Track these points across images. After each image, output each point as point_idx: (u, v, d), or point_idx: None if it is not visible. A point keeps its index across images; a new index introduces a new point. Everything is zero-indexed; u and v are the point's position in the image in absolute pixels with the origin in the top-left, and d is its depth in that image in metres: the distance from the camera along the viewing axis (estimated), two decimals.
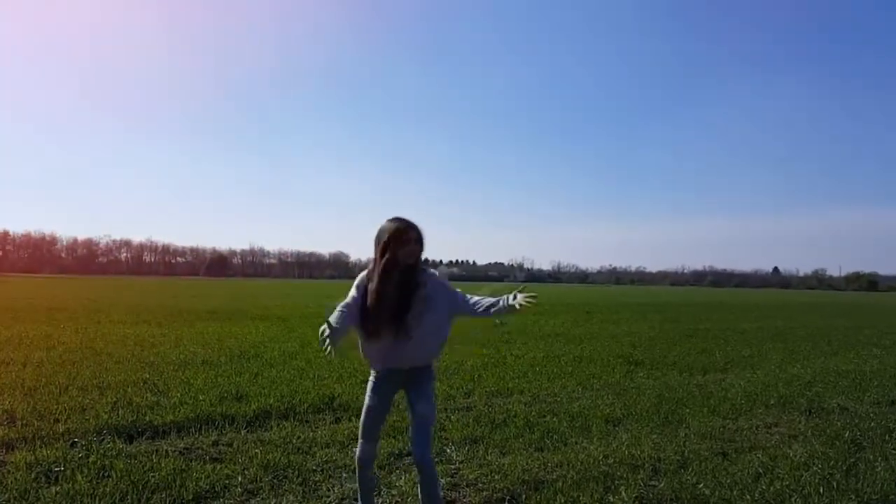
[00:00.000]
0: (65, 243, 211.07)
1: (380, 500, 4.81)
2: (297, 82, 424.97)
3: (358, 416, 7.07)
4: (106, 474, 5.14)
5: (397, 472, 5.43)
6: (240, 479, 5.12)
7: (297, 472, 5.32)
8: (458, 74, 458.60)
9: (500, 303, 3.92)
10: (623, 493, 4.94)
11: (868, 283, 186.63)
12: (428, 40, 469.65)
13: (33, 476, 5.04)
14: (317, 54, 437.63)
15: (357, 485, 4.29)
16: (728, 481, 5.23)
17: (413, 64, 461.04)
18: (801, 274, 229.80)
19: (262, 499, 4.77)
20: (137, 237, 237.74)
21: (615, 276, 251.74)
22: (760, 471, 5.53)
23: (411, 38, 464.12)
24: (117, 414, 6.97)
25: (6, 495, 4.65)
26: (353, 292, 3.97)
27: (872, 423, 7.33)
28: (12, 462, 5.35)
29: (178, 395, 8.03)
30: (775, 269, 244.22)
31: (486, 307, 3.95)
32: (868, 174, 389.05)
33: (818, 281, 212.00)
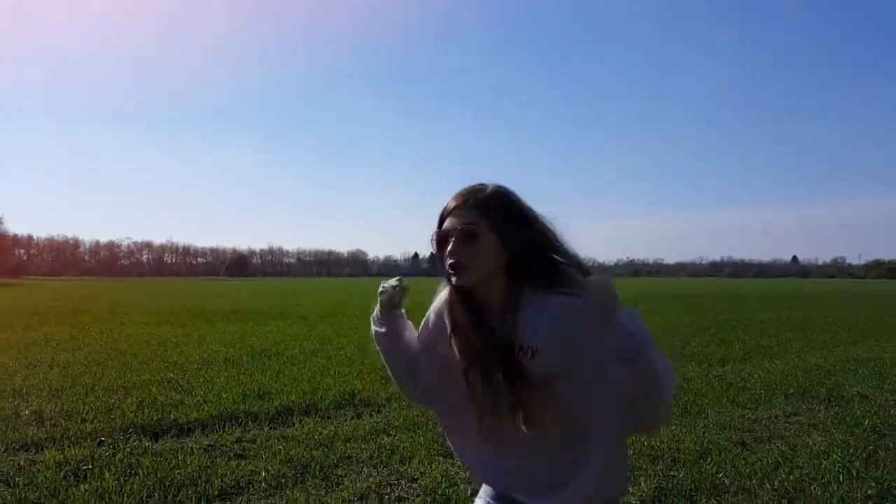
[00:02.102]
0: (87, 246, 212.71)
1: None
2: (316, 82, 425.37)
3: (379, 411, 7.16)
4: (133, 472, 5.20)
5: None
6: (263, 474, 5.17)
7: (319, 467, 5.36)
8: (465, 71, 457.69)
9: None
10: (642, 483, 4.96)
11: (888, 270, 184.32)
12: (432, 38, 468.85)
13: (62, 475, 5.10)
14: (330, 52, 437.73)
15: None
16: (747, 471, 5.24)
17: (424, 60, 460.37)
18: (821, 263, 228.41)
19: (286, 493, 4.82)
20: (158, 239, 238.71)
21: (633, 268, 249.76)
22: (780, 460, 5.53)
23: (423, 35, 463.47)
24: (143, 413, 7.05)
25: (37, 494, 4.71)
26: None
27: (892, 411, 7.32)
28: (42, 461, 5.42)
29: (202, 393, 8.11)
30: (794, 258, 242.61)
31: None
32: (887, 161, 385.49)
33: (837, 269, 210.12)
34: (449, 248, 1.93)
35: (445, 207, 2.00)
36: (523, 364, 1.89)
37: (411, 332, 2.20)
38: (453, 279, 1.94)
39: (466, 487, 4.79)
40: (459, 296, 2.01)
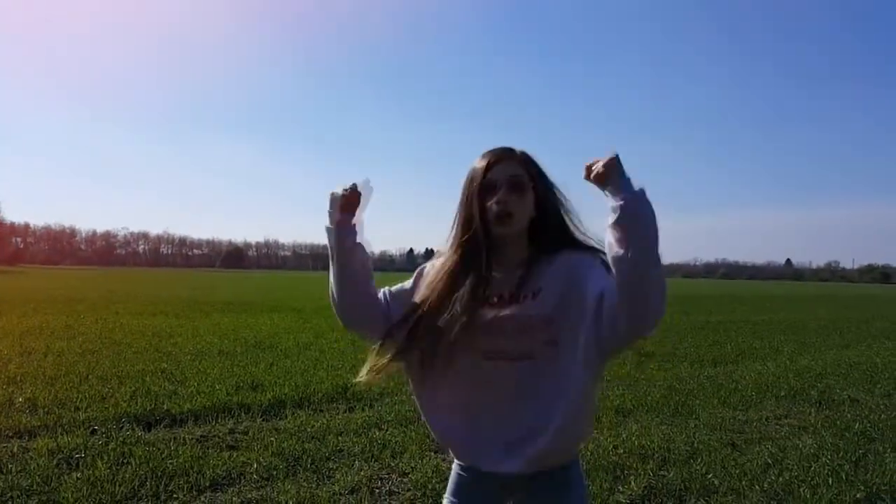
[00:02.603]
0: (84, 236, 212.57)
1: None
2: (315, 79, 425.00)
3: (371, 406, 7.18)
4: (125, 461, 5.21)
5: None
6: (255, 466, 5.18)
7: (310, 460, 5.37)
8: (464, 71, 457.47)
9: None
10: (633, 482, 4.97)
11: (881, 275, 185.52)
12: (432, 38, 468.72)
13: (55, 462, 5.11)
14: (330, 49, 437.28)
15: None
16: (737, 472, 5.26)
17: (424, 59, 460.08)
18: (814, 266, 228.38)
19: (277, 485, 4.82)
20: (155, 230, 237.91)
21: None
22: (769, 461, 5.55)
23: (423, 34, 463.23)
24: (136, 402, 7.06)
25: (29, 481, 4.72)
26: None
27: (883, 415, 7.34)
28: (35, 449, 5.42)
29: (195, 384, 8.12)
30: (788, 261, 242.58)
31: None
32: (882, 165, 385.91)
33: (831, 273, 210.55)
34: (498, 196, 1.94)
35: (488, 160, 2.01)
36: (526, 306, 1.95)
37: (364, 251, 2.11)
38: (499, 228, 1.95)
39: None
40: (487, 247, 1.98)
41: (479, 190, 1.97)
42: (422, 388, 2.14)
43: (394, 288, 2.19)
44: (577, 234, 2.06)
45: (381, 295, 2.16)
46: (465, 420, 2.05)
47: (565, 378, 1.92)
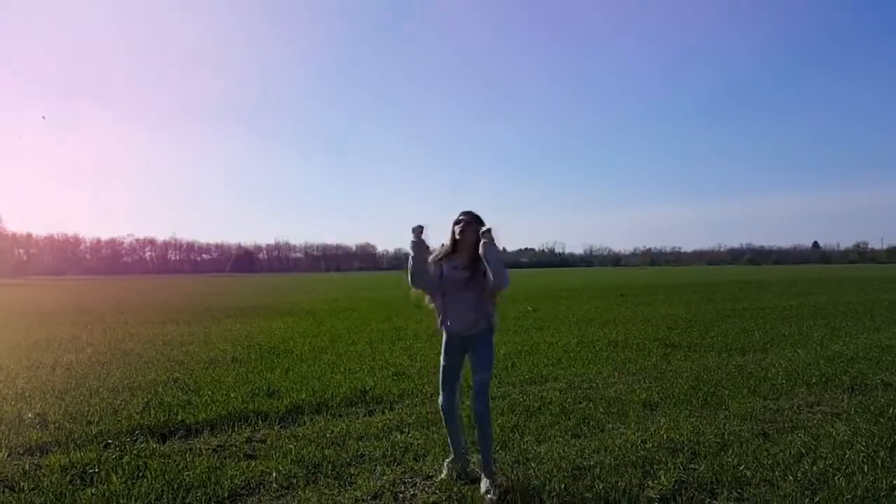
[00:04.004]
0: (88, 244, 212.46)
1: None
2: (321, 77, 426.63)
3: (391, 409, 7.11)
4: (140, 474, 5.15)
5: None
6: (274, 474, 5.11)
7: (331, 466, 5.30)
8: (473, 64, 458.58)
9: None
10: (662, 477, 4.88)
11: None
12: (444, 32, 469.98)
13: (68, 479, 5.05)
14: (337, 47, 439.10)
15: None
16: (770, 462, 5.15)
17: (433, 54, 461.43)
18: (842, 248, 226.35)
19: (298, 493, 4.75)
20: (161, 235, 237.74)
21: (650, 258, 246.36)
22: (803, 451, 5.43)
23: (433, 28, 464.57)
24: (149, 414, 6.98)
25: (43, 498, 4.66)
26: None
27: None
28: (47, 465, 5.36)
29: (210, 393, 8.05)
30: (815, 243, 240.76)
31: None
32: None
33: (860, 254, 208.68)
34: (468, 243, 4.92)
35: (463, 222, 4.98)
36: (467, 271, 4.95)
37: (427, 251, 5.02)
38: (461, 236, 4.95)
39: (479, 486, 4.71)
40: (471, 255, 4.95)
41: (460, 237, 4.94)
42: (441, 303, 5.05)
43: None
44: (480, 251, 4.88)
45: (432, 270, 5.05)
46: (453, 309, 5.02)
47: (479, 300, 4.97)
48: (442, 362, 5.14)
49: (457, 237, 4.97)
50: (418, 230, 4.92)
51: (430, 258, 5.04)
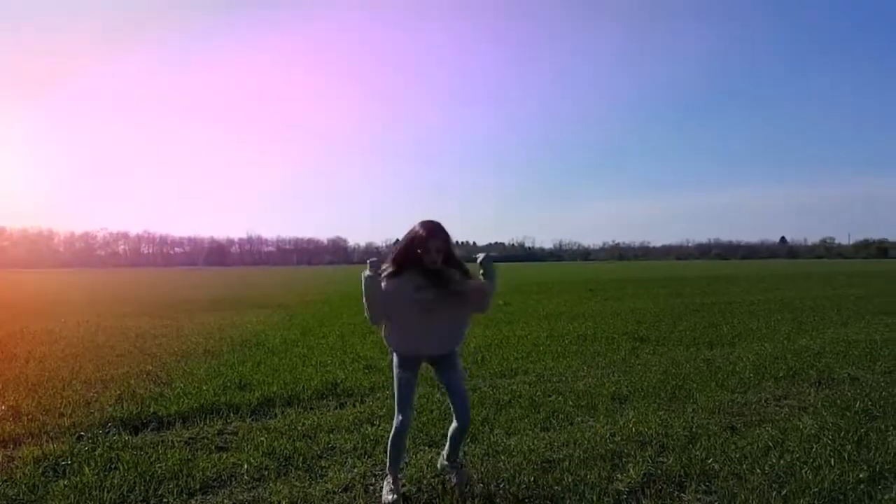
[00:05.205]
0: (62, 237, 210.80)
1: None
2: (294, 69, 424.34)
3: (362, 401, 7.14)
4: (113, 466, 5.14)
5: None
6: (246, 466, 5.12)
7: (302, 458, 5.32)
8: (444, 57, 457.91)
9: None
10: (631, 470, 4.92)
11: (877, 250, 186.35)
12: (410, 23, 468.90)
13: (41, 470, 5.05)
14: (306, 38, 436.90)
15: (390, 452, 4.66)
16: (737, 455, 5.20)
17: (402, 47, 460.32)
18: (809, 243, 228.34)
19: (269, 486, 4.77)
20: (134, 229, 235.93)
21: (618, 252, 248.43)
22: (770, 444, 5.49)
23: (401, 20, 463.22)
24: (122, 406, 6.96)
25: (15, 490, 4.65)
26: None
27: (884, 393, 7.29)
28: (20, 457, 5.35)
29: (182, 385, 8.03)
30: (782, 238, 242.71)
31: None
32: (875, 141, 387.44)
33: (826, 250, 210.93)
34: (430, 254, 4.32)
35: (423, 233, 4.31)
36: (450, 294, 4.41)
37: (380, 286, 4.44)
38: (431, 266, 4.35)
39: (451, 478, 4.74)
40: (430, 269, 4.38)
41: (423, 249, 4.32)
42: (394, 324, 4.53)
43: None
44: (460, 263, 4.53)
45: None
46: (418, 334, 4.53)
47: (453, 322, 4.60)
48: (398, 376, 4.57)
49: (423, 255, 4.30)
50: (375, 264, 4.40)
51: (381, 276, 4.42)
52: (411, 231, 4.38)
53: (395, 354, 4.62)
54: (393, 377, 4.64)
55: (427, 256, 4.30)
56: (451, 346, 4.63)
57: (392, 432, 4.57)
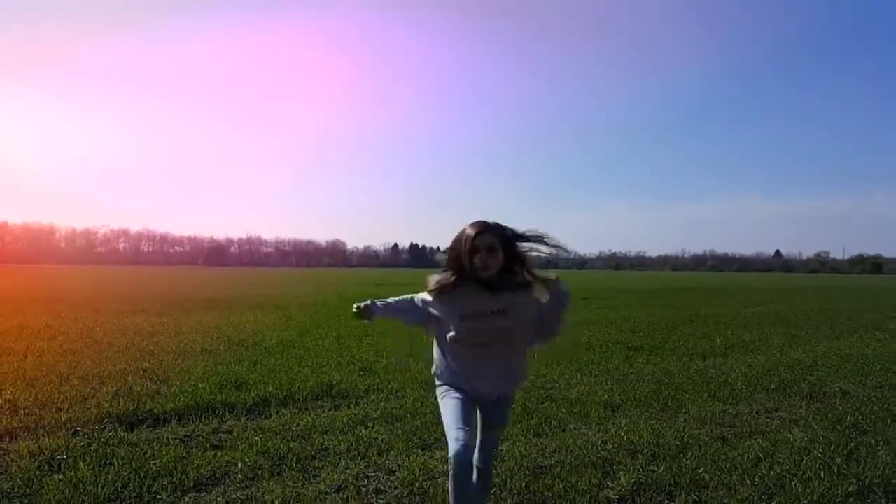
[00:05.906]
0: (63, 233, 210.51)
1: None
2: (295, 70, 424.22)
3: (356, 403, 7.14)
4: (108, 462, 5.15)
5: None
6: (240, 465, 5.13)
7: (296, 459, 5.33)
8: (443, 63, 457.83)
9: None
10: (622, 478, 4.94)
11: (872, 265, 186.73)
12: (411, 27, 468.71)
13: (36, 464, 5.06)
14: (309, 39, 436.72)
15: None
16: (728, 466, 5.23)
17: (402, 50, 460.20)
18: (804, 257, 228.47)
19: (263, 485, 4.78)
20: (135, 226, 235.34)
21: (614, 262, 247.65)
22: (760, 455, 5.52)
23: (402, 24, 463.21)
24: (118, 403, 6.98)
25: (10, 483, 4.67)
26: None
27: (875, 407, 7.32)
28: (16, 451, 5.37)
29: (178, 383, 8.05)
30: (777, 252, 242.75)
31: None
32: (872, 157, 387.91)
33: (821, 264, 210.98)
34: (479, 255, 3.37)
35: (470, 231, 3.40)
36: (503, 316, 3.50)
37: (387, 305, 3.77)
38: (483, 273, 3.40)
39: (444, 480, 4.73)
40: (480, 280, 3.44)
41: (470, 250, 3.39)
42: (450, 348, 3.65)
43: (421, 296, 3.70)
44: (526, 276, 3.52)
45: (417, 301, 3.71)
46: (471, 363, 3.62)
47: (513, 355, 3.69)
48: (450, 397, 3.60)
49: (472, 258, 3.37)
50: (365, 311, 3.66)
51: (430, 291, 3.60)
52: (459, 232, 3.48)
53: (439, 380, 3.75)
54: (436, 396, 3.74)
55: (478, 260, 3.35)
56: (513, 388, 3.89)
57: (451, 464, 3.36)
